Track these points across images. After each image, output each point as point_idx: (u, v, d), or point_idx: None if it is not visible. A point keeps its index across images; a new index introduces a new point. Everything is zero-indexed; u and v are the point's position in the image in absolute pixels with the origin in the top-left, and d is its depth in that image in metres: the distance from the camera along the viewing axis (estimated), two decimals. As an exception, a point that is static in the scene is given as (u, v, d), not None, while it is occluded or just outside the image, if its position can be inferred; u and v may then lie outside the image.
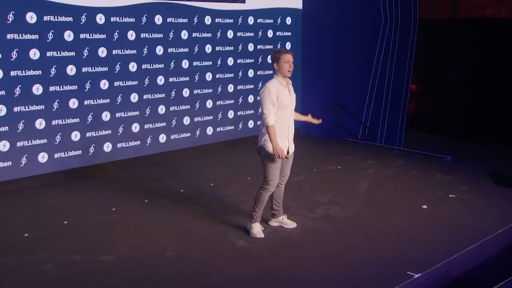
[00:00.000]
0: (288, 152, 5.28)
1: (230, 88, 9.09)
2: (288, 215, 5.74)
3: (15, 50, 6.65)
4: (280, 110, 5.16)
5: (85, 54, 7.27)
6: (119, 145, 7.84)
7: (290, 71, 5.26)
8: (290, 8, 9.77)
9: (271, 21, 9.50)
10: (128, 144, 7.94)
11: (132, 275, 4.57)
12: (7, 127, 6.73)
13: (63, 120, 7.22)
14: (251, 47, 9.21)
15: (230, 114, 9.17)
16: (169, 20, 8.11)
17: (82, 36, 7.21)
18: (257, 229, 5.35)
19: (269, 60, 9.45)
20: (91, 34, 7.30)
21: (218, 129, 9.03)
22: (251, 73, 9.32)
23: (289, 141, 5.32)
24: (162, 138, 8.34)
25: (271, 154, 5.16)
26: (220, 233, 5.45)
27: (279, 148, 5.09)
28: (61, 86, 7.12)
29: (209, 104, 8.85)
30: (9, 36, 6.59)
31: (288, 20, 9.77)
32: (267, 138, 5.17)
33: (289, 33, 9.80)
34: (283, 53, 5.25)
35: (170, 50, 8.19)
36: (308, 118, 5.71)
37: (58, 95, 7.11)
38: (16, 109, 6.77)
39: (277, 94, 5.13)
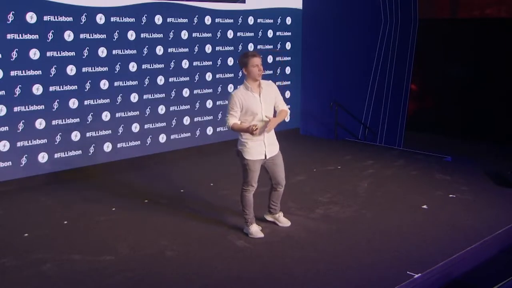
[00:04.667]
0: (265, 156, 5.22)
1: (230, 88, 9.08)
2: (288, 215, 5.75)
3: (15, 50, 6.65)
4: (249, 116, 5.10)
5: (85, 54, 7.28)
6: (119, 145, 7.84)
7: (260, 74, 5.09)
8: (290, 8, 9.77)
9: (271, 21, 9.50)
10: (128, 144, 7.94)
11: (132, 275, 4.57)
12: (7, 127, 6.73)
13: (63, 120, 7.22)
14: (251, 47, 9.21)
15: (230, 114, 9.15)
16: (169, 20, 8.11)
17: (82, 36, 7.21)
18: (255, 229, 5.36)
19: (269, 60, 9.47)
20: (91, 34, 7.30)
21: (218, 129, 9.03)
22: (251, 73, 9.30)
23: (266, 144, 5.20)
24: (162, 138, 8.34)
25: (248, 160, 5.17)
26: (220, 233, 5.45)
27: (246, 127, 4.95)
28: (61, 86, 7.12)
29: (209, 104, 8.85)
30: (9, 36, 6.59)
31: (288, 20, 9.77)
32: (243, 142, 5.17)
33: (289, 33, 9.80)
34: (251, 57, 5.06)
35: (170, 50, 8.19)
36: (270, 123, 5.11)
37: (58, 95, 7.11)
38: (16, 109, 6.77)
39: (241, 103, 5.07)
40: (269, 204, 5.60)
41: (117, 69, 7.64)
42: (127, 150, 7.94)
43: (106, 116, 7.63)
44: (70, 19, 7.07)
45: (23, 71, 6.76)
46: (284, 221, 5.63)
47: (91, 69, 7.37)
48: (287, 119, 5.32)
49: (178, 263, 4.82)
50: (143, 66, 7.92)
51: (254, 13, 9.22)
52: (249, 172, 5.22)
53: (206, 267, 4.72)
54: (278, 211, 5.65)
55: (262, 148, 5.19)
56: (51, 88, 7.03)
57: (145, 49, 7.89)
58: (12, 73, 6.67)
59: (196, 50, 8.51)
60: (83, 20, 7.19)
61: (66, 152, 7.31)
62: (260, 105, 5.11)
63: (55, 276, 4.57)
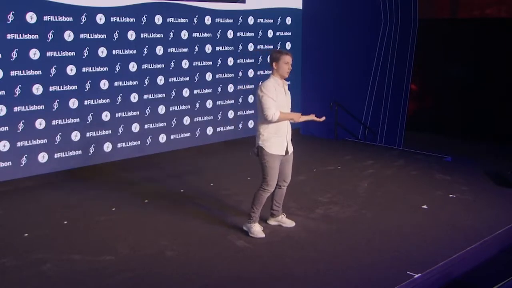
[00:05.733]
0: (287, 152, 5.32)
1: (230, 88, 9.08)
2: (288, 215, 5.75)
3: (15, 50, 6.65)
4: (278, 109, 5.18)
5: (85, 54, 7.28)
6: (119, 145, 7.84)
7: (289, 72, 5.30)
8: (290, 8, 9.77)
9: (271, 21, 9.50)
10: (128, 144, 7.94)
11: (132, 275, 4.57)
12: (7, 127, 6.73)
13: (63, 120, 7.22)
14: (251, 47, 9.21)
15: (230, 114, 9.17)
16: (169, 20, 8.12)
17: (82, 36, 7.21)
18: (257, 229, 5.36)
19: (268, 59, 9.47)
20: (91, 34, 7.30)
21: (218, 129, 9.03)
22: (251, 73, 9.32)
23: (287, 141, 5.34)
24: (162, 138, 8.34)
25: (269, 155, 5.19)
26: (220, 233, 5.45)
27: (295, 115, 5.29)
28: (61, 86, 7.12)
29: (209, 104, 8.85)
30: (9, 36, 6.59)
31: (288, 20, 9.77)
32: (265, 138, 5.20)
33: (289, 33, 9.80)
34: (284, 54, 5.26)
35: (170, 50, 8.19)
36: (311, 117, 5.55)
37: (58, 95, 7.11)
38: (16, 109, 6.77)
39: (276, 91, 5.17)
40: (272, 206, 5.59)
41: (117, 69, 7.64)
42: (127, 150, 7.94)
43: (106, 116, 7.63)
44: (70, 19, 7.07)
45: (23, 71, 6.76)
46: (288, 222, 5.63)
47: (91, 69, 7.37)
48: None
49: (178, 263, 4.82)
50: (143, 66, 7.92)
51: (254, 13, 9.22)
52: (269, 170, 5.22)
53: (206, 267, 4.72)
54: (281, 213, 5.65)
55: (284, 144, 5.30)
56: (51, 88, 7.04)
57: (145, 49, 7.89)
58: (12, 73, 6.67)
59: (196, 50, 8.52)
60: (83, 20, 7.19)
61: (66, 152, 7.31)
62: (286, 101, 5.30)
63: (55, 276, 4.57)
